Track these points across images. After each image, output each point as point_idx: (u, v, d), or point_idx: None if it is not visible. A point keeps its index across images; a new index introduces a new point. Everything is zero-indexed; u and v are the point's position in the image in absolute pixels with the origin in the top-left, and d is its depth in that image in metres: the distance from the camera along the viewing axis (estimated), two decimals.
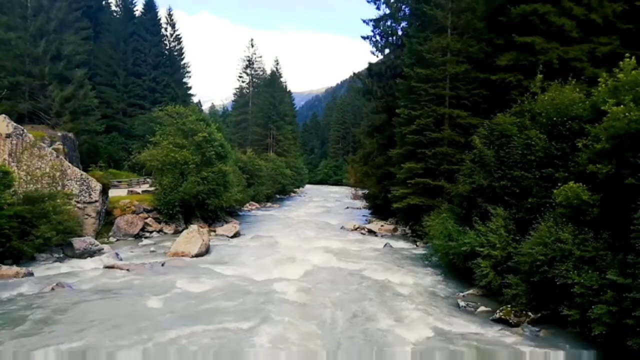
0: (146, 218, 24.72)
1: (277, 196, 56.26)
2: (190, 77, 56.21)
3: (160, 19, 51.75)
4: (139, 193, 28.69)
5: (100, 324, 10.10)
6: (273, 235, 24.78)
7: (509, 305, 11.24)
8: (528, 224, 11.93)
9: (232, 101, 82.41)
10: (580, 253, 9.73)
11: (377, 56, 33.02)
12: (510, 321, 10.75)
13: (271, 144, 65.20)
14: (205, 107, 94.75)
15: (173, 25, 53.22)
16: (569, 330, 9.68)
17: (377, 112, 31.99)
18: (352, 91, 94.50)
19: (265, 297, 12.60)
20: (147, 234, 23.82)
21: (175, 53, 53.62)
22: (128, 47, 46.95)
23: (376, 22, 31.56)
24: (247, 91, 71.73)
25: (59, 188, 20.05)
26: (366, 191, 36.58)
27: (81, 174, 21.45)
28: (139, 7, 51.12)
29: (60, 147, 22.45)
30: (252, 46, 71.33)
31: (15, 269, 14.27)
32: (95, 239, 19.88)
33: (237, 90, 73.29)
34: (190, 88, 55.94)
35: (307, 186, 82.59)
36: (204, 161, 26.55)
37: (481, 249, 12.84)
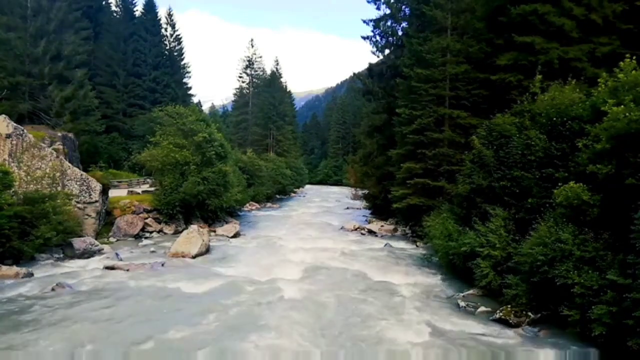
0: (146, 218, 24.71)
1: (277, 196, 56.26)
2: (190, 77, 56.33)
3: (160, 19, 51.77)
4: (139, 193, 28.67)
5: (101, 324, 10.11)
6: (273, 236, 24.80)
7: (509, 306, 11.23)
8: (528, 224, 11.93)
9: (232, 101, 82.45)
10: (581, 253, 9.73)
11: (378, 56, 33.00)
12: (510, 321, 10.75)
13: (271, 144, 65.18)
14: (205, 107, 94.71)
15: (173, 26, 53.26)
16: (569, 330, 9.67)
17: (378, 112, 31.97)
18: (352, 91, 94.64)
19: (265, 297, 12.60)
20: (147, 234, 23.81)
21: (175, 53, 53.61)
22: (128, 48, 46.92)
23: (376, 23, 31.52)
24: (247, 91, 71.75)
25: (59, 188, 20.05)
26: (366, 191, 36.55)
27: (81, 174, 21.45)
28: (139, 8, 51.25)
29: (61, 147, 22.44)
30: (252, 46, 71.44)
31: (15, 269, 14.28)
32: (95, 239, 19.89)
33: (237, 90, 73.36)
34: (190, 88, 55.97)
35: (307, 186, 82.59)
36: (204, 161, 26.54)
37: (481, 249, 12.84)
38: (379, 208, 32.75)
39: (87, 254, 17.73)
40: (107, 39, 45.74)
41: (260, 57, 76.87)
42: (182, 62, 54.69)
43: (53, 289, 12.69)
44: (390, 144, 27.28)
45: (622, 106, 9.67)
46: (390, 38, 31.88)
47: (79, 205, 20.76)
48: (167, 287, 13.46)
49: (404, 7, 30.72)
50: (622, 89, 10.43)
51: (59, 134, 23.81)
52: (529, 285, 10.88)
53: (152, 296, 12.55)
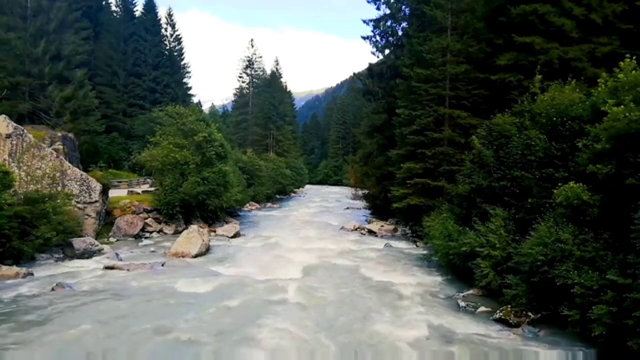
0: (146, 218, 24.72)
1: (277, 196, 56.28)
2: (190, 77, 56.37)
3: (160, 19, 51.80)
4: (139, 193, 28.69)
5: (101, 324, 10.10)
6: (273, 236, 24.79)
7: (509, 306, 11.23)
8: (528, 224, 11.92)
9: (232, 101, 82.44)
10: (581, 253, 9.72)
11: (378, 56, 33.05)
12: (510, 321, 10.75)
13: (271, 144, 65.20)
14: (205, 107, 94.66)
15: (173, 26, 53.29)
16: (569, 330, 9.66)
17: (378, 112, 31.97)
18: (352, 91, 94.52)
19: (265, 297, 12.60)
20: (147, 234, 23.83)
21: (175, 53, 53.64)
22: (128, 48, 46.95)
23: (376, 23, 31.55)
24: (247, 91, 71.74)
25: (59, 188, 20.06)
26: (366, 191, 36.56)
27: (81, 174, 21.46)
28: (139, 8, 51.29)
29: (61, 147, 22.43)
30: (252, 46, 71.44)
31: (15, 269, 14.28)
32: (95, 239, 19.88)
33: (237, 90, 73.34)
34: (190, 88, 56.06)
35: (307, 186, 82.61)
36: (204, 161, 26.55)
37: (481, 249, 12.83)
38: (379, 208, 32.75)
39: (87, 254, 17.73)
40: (107, 39, 45.77)
41: (260, 57, 76.84)
42: (182, 62, 54.76)
43: (53, 289, 12.69)
44: (390, 144, 27.29)
45: (622, 106, 9.65)
46: (390, 38, 31.91)
47: (79, 205, 20.76)
48: (167, 287, 13.46)
49: (404, 7, 30.74)
50: (622, 89, 10.42)
51: (59, 134, 23.80)
52: (529, 285, 10.87)
53: (153, 296, 12.55)
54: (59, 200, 18.47)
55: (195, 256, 18.33)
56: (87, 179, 21.40)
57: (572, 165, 11.58)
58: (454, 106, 21.94)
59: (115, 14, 50.15)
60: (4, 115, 20.25)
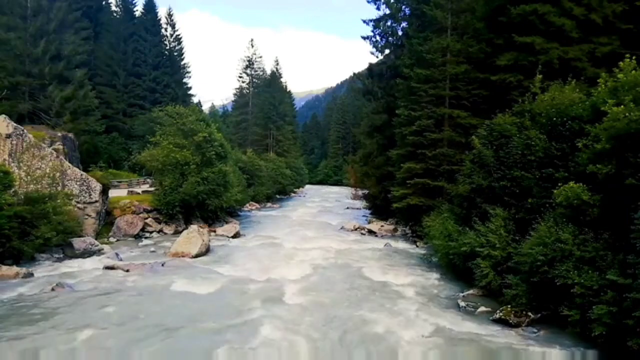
0: (146, 218, 24.71)
1: (277, 196, 56.28)
2: (190, 77, 56.36)
3: (160, 19, 51.81)
4: (139, 193, 28.69)
5: (101, 324, 10.10)
6: (273, 236, 24.79)
7: (509, 306, 11.24)
8: (528, 224, 11.93)
9: (232, 101, 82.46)
10: (581, 253, 9.73)
11: (377, 56, 33.07)
12: (510, 321, 10.75)
13: (271, 144, 65.21)
14: (205, 107, 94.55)
15: (173, 26, 53.29)
16: (569, 330, 9.68)
17: (378, 112, 31.98)
18: (352, 91, 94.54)
19: (265, 297, 12.60)
20: (147, 234, 23.82)
21: (175, 53, 53.65)
22: (128, 47, 46.98)
23: (376, 23, 31.55)
24: (247, 91, 71.74)
25: (59, 188, 20.06)
26: (366, 191, 36.57)
27: (81, 174, 21.46)
28: (139, 8, 51.31)
29: (61, 147, 22.42)
30: (252, 46, 71.46)
31: (15, 269, 14.28)
32: (95, 239, 19.89)
33: (237, 90, 73.34)
34: (190, 88, 56.05)
35: (307, 186, 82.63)
36: (204, 161, 26.55)
37: (481, 249, 12.84)
38: (379, 208, 32.75)
39: (87, 254, 17.73)
40: (107, 39, 45.79)
41: (260, 57, 76.77)
42: (182, 62, 54.76)
43: (53, 289, 12.69)
44: (390, 144, 27.29)
45: (622, 106, 9.67)
46: (390, 38, 31.90)
47: (79, 205, 20.76)
48: (167, 287, 13.45)
49: (404, 7, 30.74)
50: (622, 89, 10.43)
51: (59, 134, 23.79)
52: (529, 285, 10.88)
53: (152, 296, 12.55)
54: (59, 200, 18.48)
55: (196, 256, 18.32)
56: (87, 179, 21.40)
57: (572, 165, 11.59)
58: (454, 106, 21.94)
59: (115, 14, 50.16)
60: (4, 115, 20.25)
